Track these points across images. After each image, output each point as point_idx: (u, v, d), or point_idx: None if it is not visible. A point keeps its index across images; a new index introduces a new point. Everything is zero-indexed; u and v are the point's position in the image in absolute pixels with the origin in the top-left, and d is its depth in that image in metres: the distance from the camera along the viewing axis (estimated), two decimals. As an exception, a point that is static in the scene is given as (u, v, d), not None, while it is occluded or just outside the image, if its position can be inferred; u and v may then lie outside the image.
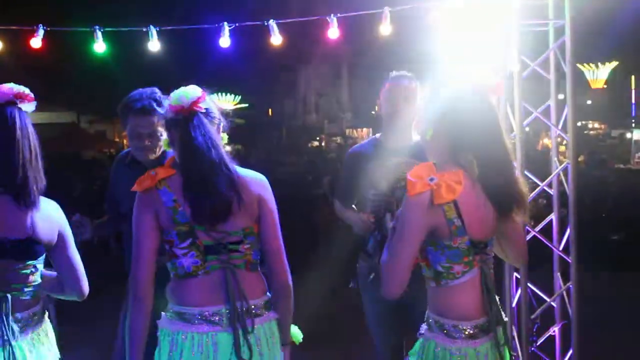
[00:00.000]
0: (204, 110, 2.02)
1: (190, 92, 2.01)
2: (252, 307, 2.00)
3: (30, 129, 2.03)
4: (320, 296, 5.00)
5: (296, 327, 2.23)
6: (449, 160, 1.98)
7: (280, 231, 2.11)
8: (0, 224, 1.95)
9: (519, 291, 3.59)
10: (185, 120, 1.99)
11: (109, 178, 3.08)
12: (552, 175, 3.70)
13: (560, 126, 3.66)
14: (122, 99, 2.77)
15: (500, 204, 1.98)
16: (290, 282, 2.12)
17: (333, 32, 3.83)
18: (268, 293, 2.09)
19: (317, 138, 29.09)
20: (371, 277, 2.78)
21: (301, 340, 2.22)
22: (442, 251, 1.94)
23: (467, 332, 1.96)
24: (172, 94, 2.03)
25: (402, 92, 2.92)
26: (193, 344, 1.92)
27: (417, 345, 2.05)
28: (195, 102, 2.00)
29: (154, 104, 2.64)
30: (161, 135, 2.69)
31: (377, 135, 3.14)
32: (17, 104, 2.02)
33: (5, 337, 1.91)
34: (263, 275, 2.10)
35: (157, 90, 2.73)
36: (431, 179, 1.91)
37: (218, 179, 1.95)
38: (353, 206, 3.07)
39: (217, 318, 1.95)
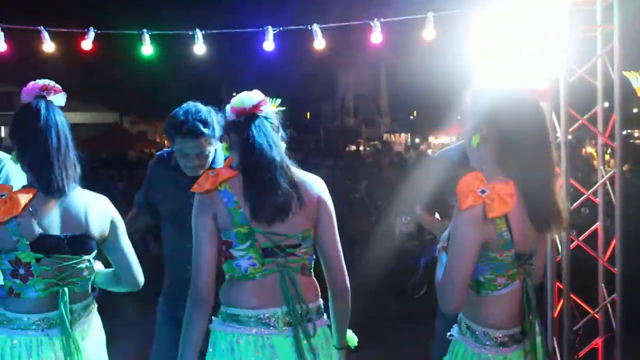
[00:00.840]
0: (264, 114, 2.05)
1: (252, 96, 2.04)
2: (309, 311, 1.99)
3: (59, 119, 2.06)
4: (355, 301, 4.99)
5: (350, 331, 2.22)
6: (496, 169, 1.92)
7: (338, 234, 2.09)
8: (58, 221, 2.03)
9: (562, 301, 3.52)
10: (247, 122, 2.01)
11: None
12: (598, 184, 3.62)
13: (607, 134, 3.58)
14: (168, 116, 2.72)
15: (537, 219, 1.91)
16: (349, 285, 2.11)
17: (376, 37, 3.84)
18: (320, 299, 2.08)
19: (355, 142, 29.06)
20: (422, 291, 2.69)
21: (356, 344, 2.21)
22: (487, 263, 1.90)
23: (497, 340, 1.93)
24: (234, 98, 2.06)
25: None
26: (249, 347, 1.91)
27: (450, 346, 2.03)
28: (257, 106, 2.03)
29: (200, 126, 2.61)
30: (209, 152, 2.70)
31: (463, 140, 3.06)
32: (45, 97, 2.07)
33: (63, 328, 2.00)
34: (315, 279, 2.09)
35: (200, 107, 2.68)
36: (482, 191, 1.84)
37: (279, 178, 1.96)
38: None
39: (272, 321, 1.94)
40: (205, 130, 2.61)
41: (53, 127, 2.03)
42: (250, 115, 2.02)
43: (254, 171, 1.97)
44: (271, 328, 1.94)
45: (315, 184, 2.07)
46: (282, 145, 2.08)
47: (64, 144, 2.05)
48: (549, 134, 1.94)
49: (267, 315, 1.95)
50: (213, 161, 2.78)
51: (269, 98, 2.12)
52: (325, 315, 2.08)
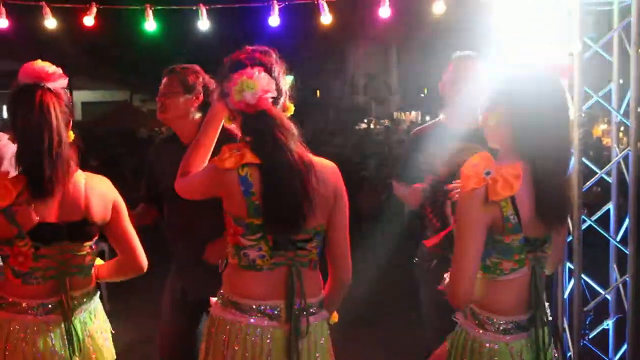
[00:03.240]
0: (270, 104, 1.88)
1: (255, 84, 1.84)
2: (310, 305, 1.93)
3: (55, 113, 1.93)
4: (364, 277, 4.98)
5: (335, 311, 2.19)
6: (511, 149, 1.85)
7: (348, 229, 2.02)
8: (56, 208, 1.97)
9: (572, 282, 3.47)
10: (253, 118, 1.87)
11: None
12: (611, 163, 3.54)
13: (622, 111, 3.49)
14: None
15: (543, 205, 1.83)
16: (350, 280, 2.06)
17: (384, 11, 3.75)
18: (322, 292, 2.03)
19: (365, 120, 28.88)
20: (433, 263, 2.70)
21: (336, 321, 2.18)
22: (493, 246, 1.84)
23: (500, 327, 1.89)
24: (233, 87, 1.85)
25: (467, 72, 2.81)
26: (248, 336, 1.87)
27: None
28: (262, 100, 1.85)
29: (177, 68, 2.78)
30: (177, 99, 2.75)
31: (441, 117, 3.04)
32: (43, 85, 1.95)
33: (64, 315, 1.96)
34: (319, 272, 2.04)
35: (196, 69, 2.82)
36: (487, 173, 1.78)
37: (298, 181, 1.84)
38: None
39: (274, 313, 1.89)
40: (179, 71, 2.76)
41: (48, 125, 1.91)
42: (255, 111, 1.85)
43: (271, 170, 1.85)
44: (272, 320, 1.89)
45: (332, 175, 1.98)
46: (291, 108, 1.96)
47: (57, 142, 1.92)
48: (568, 114, 1.85)
49: (269, 307, 1.89)
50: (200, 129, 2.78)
51: (282, 72, 1.93)
52: (324, 309, 2.03)
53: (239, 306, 1.90)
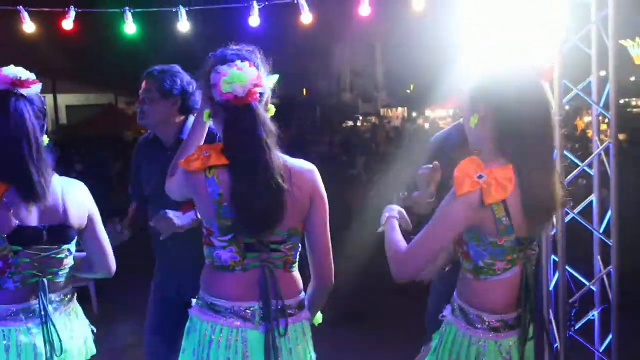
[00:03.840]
0: (259, 98, 1.87)
1: (247, 77, 1.82)
2: (287, 307, 1.93)
3: (31, 120, 1.94)
4: (353, 276, 4.99)
5: (320, 312, 2.18)
6: (495, 151, 1.85)
7: (328, 228, 2.01)
8: (36, 211, 1.97)
9: (557, 274, 3.50)
10: (239, 113, 1.84)
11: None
12: (593, 155, 3.57)
13: (602, 104, 3.52)
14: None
15: (530, 206, 1.83)
16: (333, 282, 2.05)
17: (364, 9, 3.75)
18: (302, 293, 2.03)
19: (352, 118, 28.88)
20: (447, 268, 2.69)
21: (320, 322, 2.18)
22: (486, 248, 1.86)
23: (490, 325, 1.90)
24: (222, 78, 1.82)
25: None
26: (222, 337, 1.87)
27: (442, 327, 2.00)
28: (252, 94, 1.83)
29: (156, 71, 2.76)
30: (153, 105, 2.74)
31: (462, 120, 3.01)
32: (16, 92, 1.94)
33: (43, 318, 1.96)
34: (299, 274, 2.03)
35: (176, 70, 2.80)
36: (480, 177, 1.78)
37: (271, 181, 1.82)
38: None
39: (249, 314, 1.89)
40: (157, 76, 2.73)
41: (24, 132, 1.91)
42: (242, 104, 1.83)
43: (244, 170, 1.83)
44: (247, 322, 1.89)
45: (309, 176, 1.95)
46: (271, 110, 1.94)
47: (36, 148, 1.93)
48: (550, 114, 1.85)
49: (243, 308, 1.89)
50: (182, 131, 2.73)
51: (265, 72, 1.92)
52: (306, 308, 2.03)
53: (214, 307, 1.91)
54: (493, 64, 1.89)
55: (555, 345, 3.50)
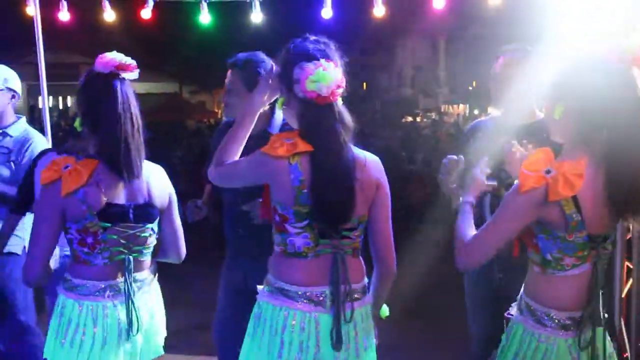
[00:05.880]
0: (341, 99, 1.93)
1: (331, 78, 1.86)
2: (354, 291, 1.96)
3: (133, 102, 2.06)
4: (413, 270, 4.95)
5: (385, 305, 2.19)
6: (578, 143, 1.79)
7: (390, 218, 2.05)
8: (123, 190, 2.06)
9: (630, 281, 3.37)
10: (319, 109, 1.90)
11: (208, 147, 3.11)
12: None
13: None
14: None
15: (618, 202, 1.77)
16: (396, 269, 2.08)
17: (439, 2, 3.69)
18: (366, 278, 2.06)
19: (412, 113, 28.62)
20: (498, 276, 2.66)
21: (387, 315, 2.19)
22: (555, 242, 1.81)
23: (559, 322, 1.84)
24: (308, 76, 1.87)
25: (519, 66, 2.74)
26: (295, 321, 1.91)
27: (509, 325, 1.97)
28: (334, 94, 1.88)
29: (239, 60, 2.71)
30: (237, 95, 2.69)
31: (493, 112, 3.00)
32: (119, 75, 2.05)
33: (127, 295, 2.05)
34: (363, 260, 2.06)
35: (261, 58, 2.73)
36: (547, 171, 1.74)
37: (347, 180, 1.89)
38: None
39: (321, 299, 1.93)
40: (242, 67, 2.68)
41: (128, 113, 2.04)
42: (325, 103, 1.88)
43: (325, 161, 1.88)
44: (319, 306, 1.92)
45: (375, 167, 2.01)
46: (350, 128, 1.97)
47: (137, 128, 2.06)
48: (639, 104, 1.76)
49: (316, 293, 1.93)
50: (270, 124, 2.74)
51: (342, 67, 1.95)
52: (369, 293, 2.06)
53: (286, 292, 1.94)
54: (573, 53, 1.85)
55: (626, 356, 3.38)
